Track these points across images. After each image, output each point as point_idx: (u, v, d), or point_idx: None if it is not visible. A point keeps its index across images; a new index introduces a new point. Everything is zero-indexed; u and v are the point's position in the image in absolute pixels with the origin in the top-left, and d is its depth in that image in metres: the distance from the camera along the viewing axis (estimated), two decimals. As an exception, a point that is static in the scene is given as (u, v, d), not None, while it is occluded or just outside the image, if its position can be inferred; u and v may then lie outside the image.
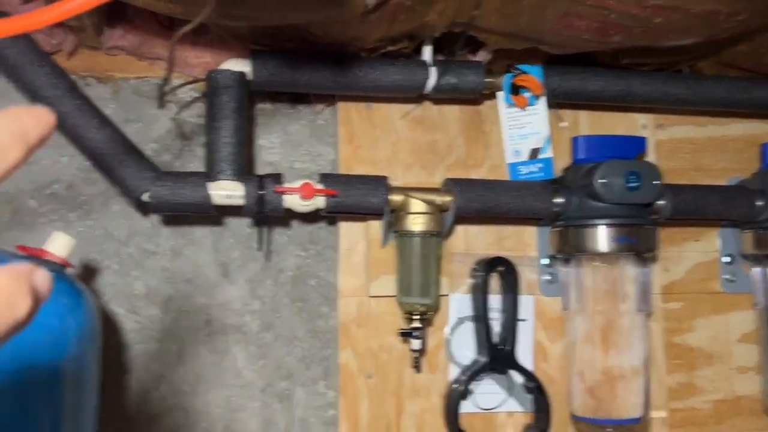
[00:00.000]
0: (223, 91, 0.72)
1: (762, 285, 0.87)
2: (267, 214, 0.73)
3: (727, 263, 0.89)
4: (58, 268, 0.61)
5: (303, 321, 0.82)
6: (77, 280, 0.64)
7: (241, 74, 0.73)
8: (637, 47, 0.71)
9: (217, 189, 0.71)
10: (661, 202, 0.79)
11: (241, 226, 0.82)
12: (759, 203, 0.82)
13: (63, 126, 0.69)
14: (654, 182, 0.75)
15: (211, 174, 0.72)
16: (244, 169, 0.73)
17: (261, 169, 0.83)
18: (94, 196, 0.80)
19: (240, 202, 0.72)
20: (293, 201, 0.73)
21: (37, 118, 0.23)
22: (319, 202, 0.73)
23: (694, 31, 0.65)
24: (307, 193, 0.72)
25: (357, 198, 0.74)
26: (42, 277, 0.23)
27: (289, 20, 0.64)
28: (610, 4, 0.61)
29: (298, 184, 0.72)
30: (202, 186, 0.71)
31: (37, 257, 0.60)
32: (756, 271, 0.88)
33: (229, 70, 0.73)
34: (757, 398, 0.89)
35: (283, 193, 0.72)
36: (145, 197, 0.71)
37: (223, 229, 0.82)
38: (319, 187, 0.73)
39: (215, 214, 0.77)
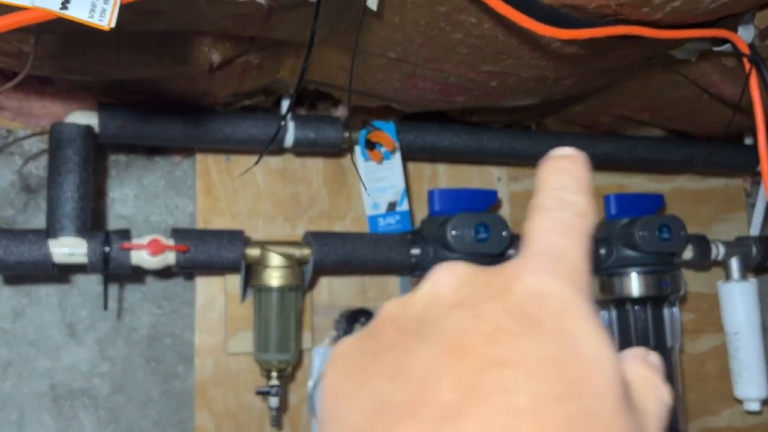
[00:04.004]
0: (67, 144, 0.69)
1: (608, 328, 0.93)
2: (114, 272, 0.70)
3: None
4: None
5: (158, 382, 0.79)
6: None
7: (87, 127, 0.70)
8: (482, 106, 0.74)
9: (58, 247, 0.68)
10: (511, 252, 0.82)
11: (91, 283, 0.78)
12: (602, 251, 0.87)
13: None
14: (503, 233, 0.78)
15: (51, 231, 0.68)
16: (88, 225, 0.70)
17: (114, 224, 0.80)
18: None
19: (83, 260, 0.68)
20: (142, 258, 0.70)
21: (578, 161, 0.22)
22: (170, 258, 0.71)
23: (529, 94, 0.69)
24: (155, 249, 0.69)
25: (210, 253, 0.72)
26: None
27: (131, 75, 0.63)
28: (448, 68, 0.64)
29: (146, 239, 0.70)
30: (41, 244, 0.67)
31: None
32: (602, 314, 0.93)
33: (74, 124, 0.70)
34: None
35: (129, 249, 0.69)
36: (-23, 256, 0.66)
37: (70, 287, 0.78)
38: (170, 242, 0.71)
39: (56, 273, 0.73)
